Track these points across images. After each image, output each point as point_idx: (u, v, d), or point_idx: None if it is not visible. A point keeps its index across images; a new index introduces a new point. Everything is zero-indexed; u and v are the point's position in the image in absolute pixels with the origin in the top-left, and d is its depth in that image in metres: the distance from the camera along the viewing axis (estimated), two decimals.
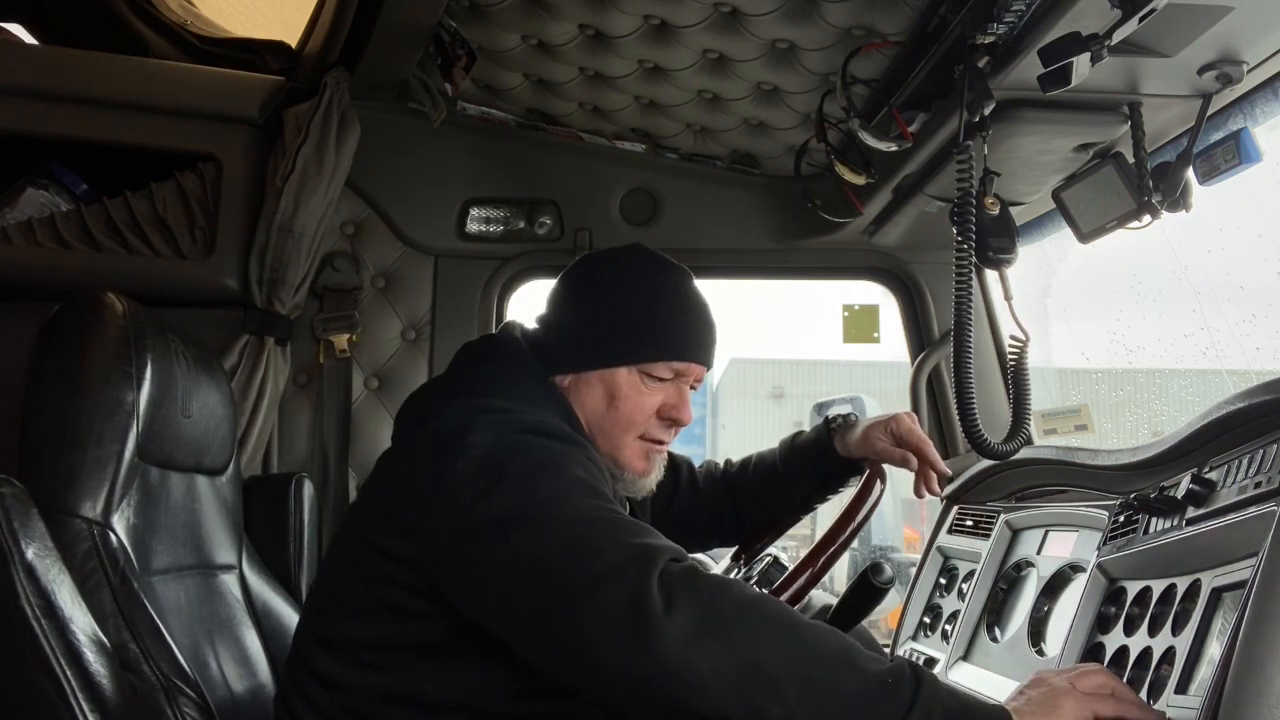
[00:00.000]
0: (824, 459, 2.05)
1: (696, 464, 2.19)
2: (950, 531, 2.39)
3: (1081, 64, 1.60)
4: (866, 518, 1.92)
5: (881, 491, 1.97)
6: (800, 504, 2.11)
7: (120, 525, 1.44)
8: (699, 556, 2.83)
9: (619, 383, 1.68)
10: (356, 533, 1.53)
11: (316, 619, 1.53)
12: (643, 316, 1.70)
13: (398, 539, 1.43)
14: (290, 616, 1.86)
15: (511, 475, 1.40)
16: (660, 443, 1.74)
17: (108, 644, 1.25)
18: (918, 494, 1.98)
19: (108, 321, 1.48)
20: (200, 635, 1.61)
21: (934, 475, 1.97)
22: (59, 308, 1.51)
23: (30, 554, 1.18)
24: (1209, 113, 1.88)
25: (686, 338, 1.72)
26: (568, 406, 1.68)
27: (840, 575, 4.34)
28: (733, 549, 2.12)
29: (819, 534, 1.92)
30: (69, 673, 1.18)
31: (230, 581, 1.78)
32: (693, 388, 1.76)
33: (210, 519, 1.74)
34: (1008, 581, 2.06)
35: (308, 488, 2.07)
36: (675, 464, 2.13)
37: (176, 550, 1.62)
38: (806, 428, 2.17)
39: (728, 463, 2.20)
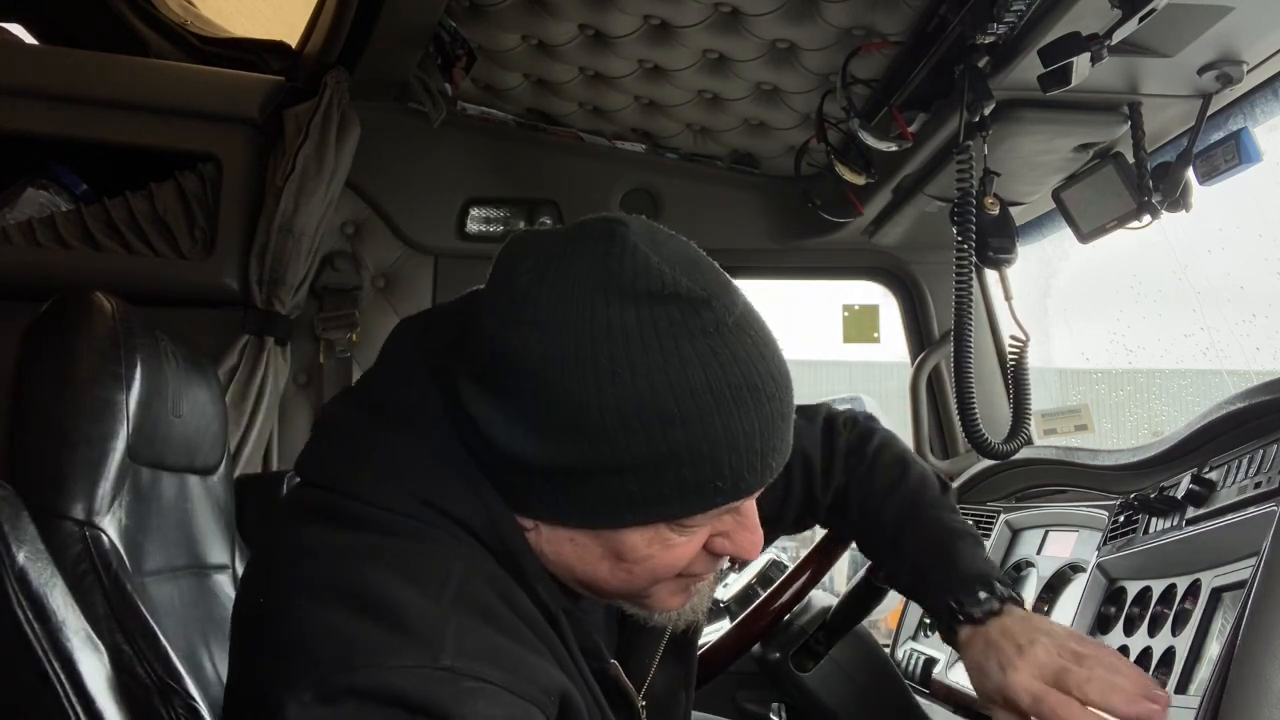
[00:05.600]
0: (924, 606, 1.42)
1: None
2: None
3: (1081, 64, 1.60)
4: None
5: None
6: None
7: (112, 527, 1.43)
8: None
9: (632, 544, 1.04)
10: None
11: None
12: (669, 450, 0.97)
13: None
14: None
15: None
16: (706, 575, 1.14)
17: (101, 646, 1.24)
18: None
19: (96, 321, 1.47)
20: (194, 636, 1.60)
21: None
22: (45, 308, 1.50)
23: (22, 558, 1.17)
24: (1209, 113, 1.88)
25: (744, 461, 1.00)
26: (524, 550, 1.06)
27: (840, 575, 4.34)
28: None
29: (819, 534, 1.92)
30: (62, 676, 1.17)
31: (224, 581, 1.77)
32: None
33: (203, 519, 1.73)
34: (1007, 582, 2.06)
35: None
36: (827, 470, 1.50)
37: (169, 551, 1.61)
38: None
39: (851, 460, 1.50)
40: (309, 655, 0.92)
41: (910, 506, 1.43)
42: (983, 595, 1.29)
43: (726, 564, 1.15)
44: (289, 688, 0.90)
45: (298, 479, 1.10)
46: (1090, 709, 1.14)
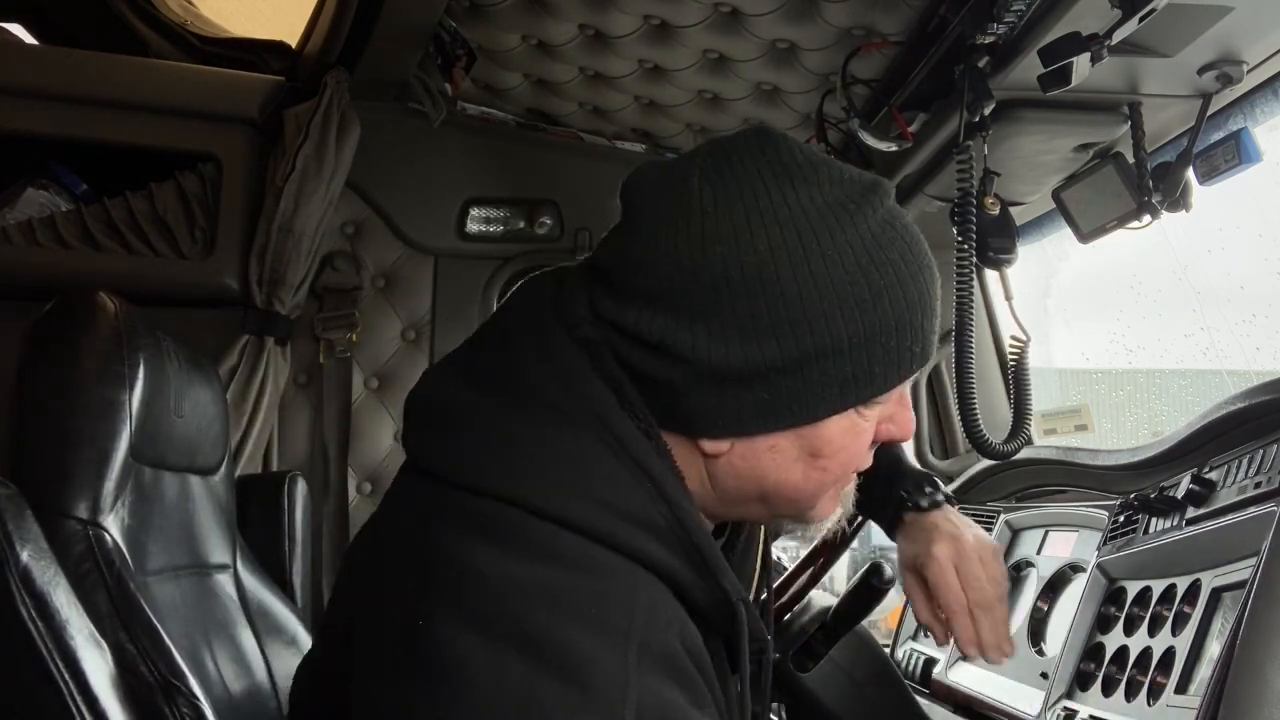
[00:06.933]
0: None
1: None
2: None
3: (1081, 64, 1.60)
4: (866, 518, 1.92)
5: None
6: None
7: (115, 526, 1.43)
8: None
9: (829, 436, 1.05)
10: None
11: None
12: (879, 321, 1.01)
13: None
14: (285, 616, 1.85)
15: None
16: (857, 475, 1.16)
17: (104, 645, 1.24)
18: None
19: (99, 321, 1.48)
20: (196, 635, 1.61)
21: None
22: (49, 308, 1.50)
23: (25, 556, 1.17)
24: (1209, 113, 1.87)
25: (931, 324, 1.07)
26: (706, 541, 1.02)
27: (840, 575, 4.34)
28: None
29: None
30: (66, 675, 1.17)
31: (225, 581, 1.78)
32: None
33: (204, 519, 1.74)
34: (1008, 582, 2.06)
35: (301, 485, 2.07)
36: None
37: (171, 550, 1.62)
38: None
39: None
40: (478, 703, 0.86)
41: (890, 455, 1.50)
42: (928, 489, 1.43)
43: None
44: None
45: (418, 468, 1.04)
46: (959, 603, 1.34)
